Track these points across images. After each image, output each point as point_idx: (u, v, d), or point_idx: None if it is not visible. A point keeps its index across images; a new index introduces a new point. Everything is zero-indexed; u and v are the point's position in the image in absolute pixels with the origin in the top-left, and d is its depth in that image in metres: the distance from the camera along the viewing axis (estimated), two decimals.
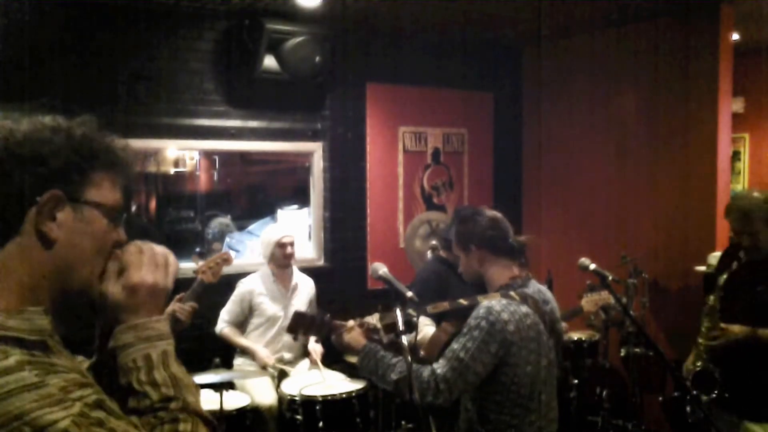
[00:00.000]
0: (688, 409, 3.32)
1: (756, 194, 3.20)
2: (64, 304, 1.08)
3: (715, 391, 3.15)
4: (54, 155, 1.04)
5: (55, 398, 0.93)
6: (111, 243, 1.13)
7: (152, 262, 1.14)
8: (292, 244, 4.54)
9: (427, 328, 3.43)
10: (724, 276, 3.17)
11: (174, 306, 3.03)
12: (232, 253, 6.21)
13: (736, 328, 3.10)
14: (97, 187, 1.09)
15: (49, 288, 1.05)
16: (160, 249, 1.17)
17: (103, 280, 1.11)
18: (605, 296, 3.76)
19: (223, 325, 4.50)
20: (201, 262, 3.56)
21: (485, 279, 2.64)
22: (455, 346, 2.42)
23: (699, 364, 3.21)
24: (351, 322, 2.67)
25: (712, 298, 3.18)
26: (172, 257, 1.17)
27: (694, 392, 3.17)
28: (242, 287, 4.54)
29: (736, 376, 3.15)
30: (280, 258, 4.51)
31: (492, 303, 2.43)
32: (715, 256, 4.60)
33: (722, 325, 3.12)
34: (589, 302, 3.83)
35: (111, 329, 1.12)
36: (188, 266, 3.40)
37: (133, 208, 7.11)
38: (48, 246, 1.05)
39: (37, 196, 1.03)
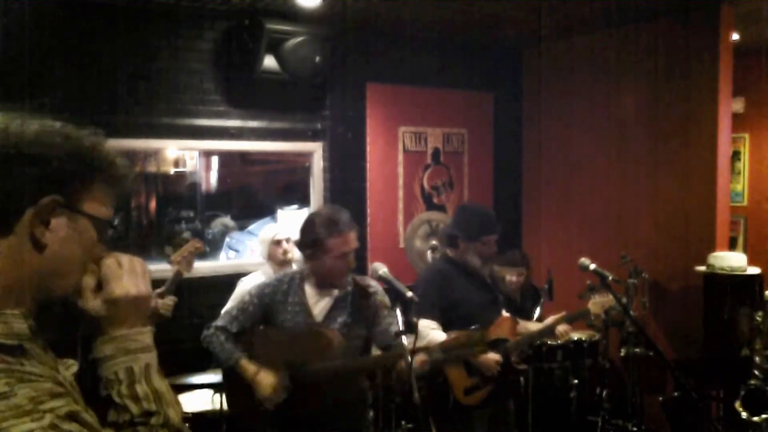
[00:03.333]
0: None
1: None
2: (46, 309, 1.07)
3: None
4: (61, 160, 1.03)
5: (23, 409, 0.90)
6: (95, 256, 1.12)
7: (132, 273, 1.13)
8: (288, 241, 4.52)
9: (433, 332, 3.39)
10: None
11: (155, 302, 3.06)
12: (232, 253, 6.24)
13: None
14: (94, 199, 1.08)
15: (33, 292, 1.03)
16: (134, 258, 1.15)
17: (81, 294, 1.10)
18: (612, 298, 3.73)
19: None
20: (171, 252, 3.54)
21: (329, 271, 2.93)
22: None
23: (752, 382, 3.11)
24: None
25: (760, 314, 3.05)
26: (145, 264, 1.16)
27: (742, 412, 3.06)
28: (243, 286, 4.53)
29: None
30: (278, 256, 4.49)
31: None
32: (715, 256, 4.61)
33: None
34: (596, 304, 3.79)
35: (92, 338, 1.10)
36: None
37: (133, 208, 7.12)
38: (38, 250, 1.02)
39: (37, 198, 1.01)
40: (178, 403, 1.11)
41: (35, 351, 1.00)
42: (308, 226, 2.95)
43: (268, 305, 3.01)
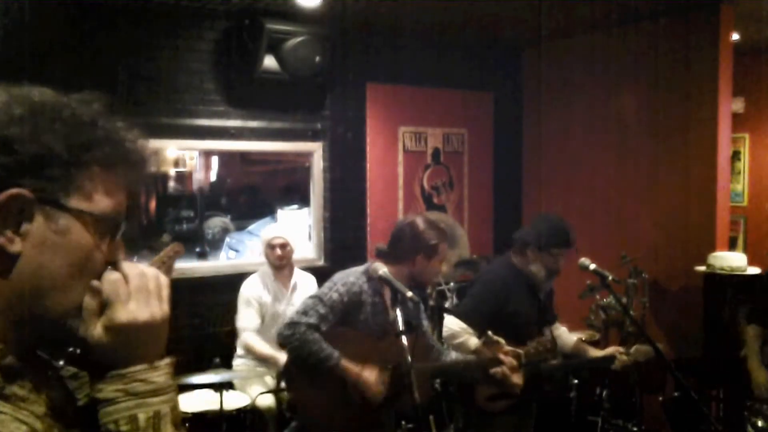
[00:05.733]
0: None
1: None
2: (36, 336, 0.85)
3: None
4: (27, 141, 0.78)
5: None
6: (99, 263, 0.86)
7: (143, 291, 0.87)
8: (283, 245, 4.47)
9: (470, 338, 3.30)
10: None
11: None
12: (232, 253, 6.24)
13: None
14: (83, 189, 0.83)
15: (11, 318, 0.81)
16: (149, 271, 0.89)
17: (82, 318, 0.85)
18: (647, 350, 3.58)
19: (247, 335, 4.38)
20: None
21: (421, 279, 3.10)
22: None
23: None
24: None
25: None
26: (163, 277, 0.90)
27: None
28: (245, 290, 4.50)
29: None
30: (272, 259, 4.48)
31: None
32: (715, 256, 4.61)
33: None
34: (639, 352, 3.67)
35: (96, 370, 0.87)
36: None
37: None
38: (6, 264, 0.79)
39: None
40: None
41: (16, 395, 0.81)
42: (416, 230, 3.06)
43: (353, 304, 3.01)
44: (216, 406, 3.68)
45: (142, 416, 0.84)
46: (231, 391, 4.10)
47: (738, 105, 6.12)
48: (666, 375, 4.88)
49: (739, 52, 5.19)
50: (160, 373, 0.87)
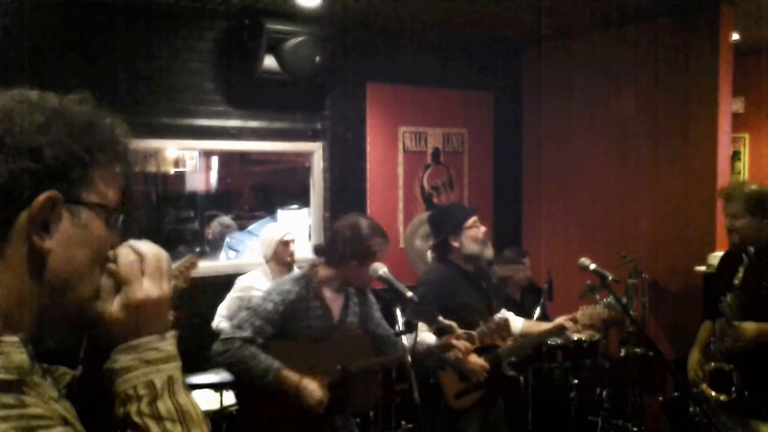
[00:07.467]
0: (692, 409, 3.30)
1: (750, 185, 3.23)
2: (53, 324, 0.91)
3: (732, 391, 3.12)
4: (52, 146, 0.84)
5: None
6: (108, 249, 0.94)
7: (156, 270, 0.96)
8: (294, 242, 4.52)
9: (422, 334, 3.31)
10: (740, 274, 3.11)
11: None
12: (232, 253, 6.24)
13: (750, 326, 3.06)
14: (96, 184, 0.90)
15: (37, 309, 0.87)
16: (159, 250, 0.98)
17: (99, 297, 0.93)
18: (600, 311, 3.65)
19: (219, 320, 4.45)
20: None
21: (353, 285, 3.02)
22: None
23: (713, 363, 3.19)
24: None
25: (730, 297, 3.12)
26: (166, 255, 0.99)
27: (712, 393, 3.15)
28: (242, 283, 4.50)
29: (751, 376, 3.11)
30: (284, 256, 4.46)
31: None
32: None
33: (735, 323, 3.09)
34: (584, 315, 3.71)
35: (100, 344, 0.95)
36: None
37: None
38: (40, 260, 0.85)
39: (27, 197, 0.83)
40: (205, 423, 0.96)
41: (37, 380, 0.86)
42: (356, 233, 2.90)
43: (291, 312, 2.89)
44: (216, 406, 3.68)
45: (158, 381, 0.93)
46: (231, 391, 4.10)
47: (738, 105, 6.12)
48: (666, 375, 4.88)
49: (739, 52, 5.19)
50: (168, 342, 0.96)
